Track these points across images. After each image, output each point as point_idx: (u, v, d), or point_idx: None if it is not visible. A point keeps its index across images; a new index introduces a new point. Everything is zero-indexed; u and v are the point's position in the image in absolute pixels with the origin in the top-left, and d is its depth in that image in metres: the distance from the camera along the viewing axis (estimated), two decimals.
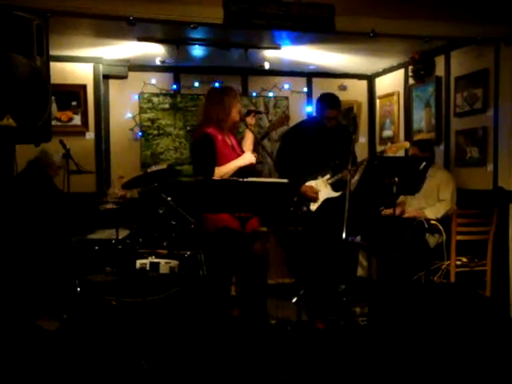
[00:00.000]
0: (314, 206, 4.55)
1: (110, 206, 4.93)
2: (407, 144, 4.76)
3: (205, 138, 4.00)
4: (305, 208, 4.53)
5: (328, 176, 4.58)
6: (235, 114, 4.06)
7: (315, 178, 4.59)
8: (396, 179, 3.80)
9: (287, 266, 5.68)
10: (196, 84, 6.41)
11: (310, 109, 6.74)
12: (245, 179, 3.39)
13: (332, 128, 4.65)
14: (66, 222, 4.79)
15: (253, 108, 4.60)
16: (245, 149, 4.13)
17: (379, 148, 6.79)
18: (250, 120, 4.16)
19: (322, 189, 4.56)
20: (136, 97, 6.32)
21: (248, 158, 3.99)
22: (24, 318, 3.94)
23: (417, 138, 5.88)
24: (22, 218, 4.35)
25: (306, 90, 6.81)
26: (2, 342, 3.53)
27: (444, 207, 4.73)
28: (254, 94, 6.59)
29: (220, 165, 3.95)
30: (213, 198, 3.34)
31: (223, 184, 3.40)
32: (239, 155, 4.05)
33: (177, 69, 6.34)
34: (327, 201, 4.54)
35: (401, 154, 6.16)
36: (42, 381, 3.27)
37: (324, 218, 4.49)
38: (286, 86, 6.70)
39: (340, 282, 4.52)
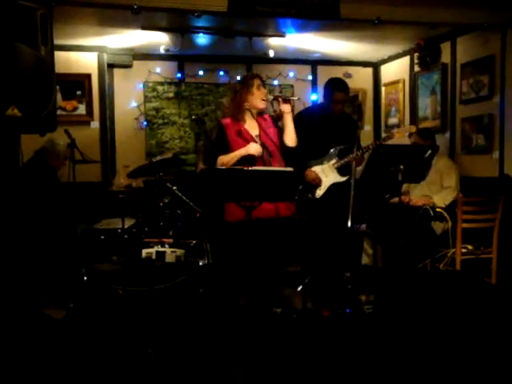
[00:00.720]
0: (320, 191, 4.54)
1: (115, 195, 4.95)
2: (413, 128, 4.72)
3: (215, 127, 4.07)
4: (309, 195, 4.52)
5: (334, 161, 4.57)
6: (254, 101, 3.97)
7: (321, 163, 4.58)
8: (401, 167, 3.79)
9: (292, 254, 5.68)
10: (200, 72, 6.40)
11: (315, 97, 6.72)
12: (249, 168, 3.39)
13: (336, 115, 4.64)
14: (72, 212, 4.81)
15: (278, 94, 4.43)
16: (284, 137, 4.03)
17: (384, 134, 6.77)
18: (283, 107, 3.99)
19: (329, 174, 4.55)
20: (140, 86, 6.32)
21: (250, 148, 3.91)
22: (32, 307, 3.96)
23: (422, 126, 5.85)
24: (27, 208, 4.36)
25: (310, 77, 6.79)
26: (11, 330, 3.56)
27: (451, 194, 4.72)
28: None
29: (234, 150, 3.95)
30: (217, 187, 3.34)
31: (227, 173, 3.40)
32: (260, 144, 3.97)
33: (181, 57, 6.32)
34: (334, 186, 4.53)
35: (405, 140, 6.16)
36: (49, 368, 3.30)
37: (330, 204, 4.48)
38: (291, 74, 6.68)
39: (345, 270, 4.53)
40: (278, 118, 4.15)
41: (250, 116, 4.02)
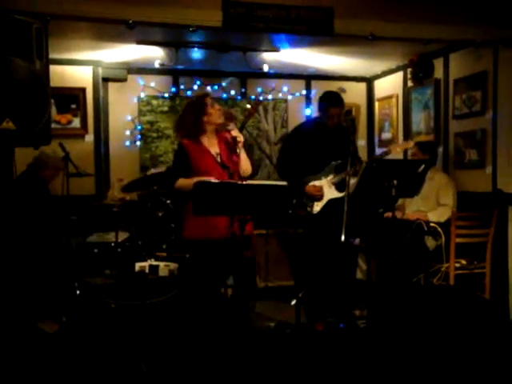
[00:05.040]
0: (318, 207, 4.55)
1: (109, 208, 4.95)
2: (411, 144, 4.76)
3: (178, 148, 4.01)
4: (308, 209, 4.53)
5: (331, 176, 4.59)
6: (213, 119, 3.94)
7: (319, 179, 4.60)
8: (395, 182, 3.80)
9: (291, 269, 5.66)
10: (195, 87, 6.41)
11: (309, 111, 6.75)
12: (244, 182, 3.39)
13: (332, 128, 4.66)
14: (62, 225, 4.79)
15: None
16: (239, 167, 3.95)
17: (379, 150, 6.81)
18: (234, 133, 3.89)
19: (326, 189, 4.56)
20: (135, 100, 6.32)
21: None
22: (25, 321, 3.94)
23: (416, 140, 5.87)
24: (19, 221, 4.35)
25: (305, 92, 6.81)
26: (3, 344, 3.53)
27: (447, 212, 4.67)
28: (253, 97, 6.60)
29: (197, 171, 3.86)
30: (211, 201, 3.34)
31: (221, 186, 3.41)
32: (218, 163, 3.93)
33: (176, 72, 6.34)
34: (331, 201, 4.54)
35: (400, 155, 6.20)
36: (42, 383, 3.28)
37: (328, 219, 4.49)
38: (285, 89, 6.70)
39: (339, 285, 4.52)
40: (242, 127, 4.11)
41: (209, 134, 3.99)
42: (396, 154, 4.72)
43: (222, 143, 4.02)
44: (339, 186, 4.55)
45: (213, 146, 3.99)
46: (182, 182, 3.89)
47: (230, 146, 3.94)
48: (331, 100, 4.68)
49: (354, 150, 4.50)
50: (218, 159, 3.97)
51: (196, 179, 3.65)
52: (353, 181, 4.13)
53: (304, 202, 4.55)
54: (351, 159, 4.20)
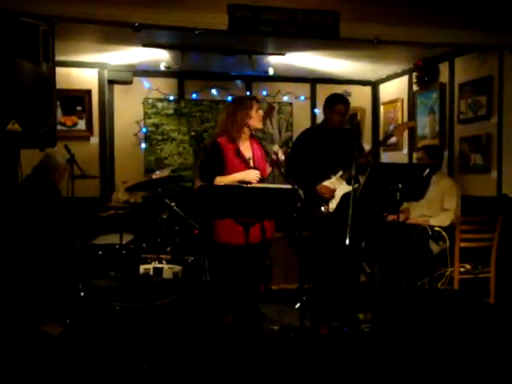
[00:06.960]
0: (333, 204, 4.54)
1: (113, 211, 4.95)
2: (413, 123, 4.81)
3: (213, 145, 4.05)
4: (323, 209, 4.52)
5: (341, 172, 4.58)
6: (254, 123, 4.04)
7: (328, 178, 4.59)
8: (400, 185, 3.80)
9: (305, 271, 5.62)
10: (200, 90, 6.42)
11: (314, 115, 6.75)
12: (248, 185, 3.40)
13: (337, 128, 4.65)
14: (70, 228, 4.80)
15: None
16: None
17: (384, 155, 6.80)
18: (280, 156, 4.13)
19: (338, 186, 4.55)
20: (140, 102, 6.34)
21: (249, 175, 3.95)
22: (28, 323, 3.94)
23: (421, 144, 5.87)
24: (25, 223, 4.36)
25: (310, 96, 6.81)
26: (7, 346, 3.54)
27: (449, 217, 4.69)
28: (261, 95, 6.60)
29: (226, 173, 3.97)
30: (216, 204, 3.35)
31: (226, 190, 3.41)
32: (251, 167, 4.03)
33: (181, 74, 6.36)
34: (345, 196, 4.52)
35: (405, 159, 6.20)
36: None
37: (345, 214, 4.46)
38: (290, 92, 6.71)
39: (344, 288, 4.51)
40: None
41: (244, 137, 4.06)
42: (400, 135, 4.74)
43: (254, 148, 4.10)
44: (350, 181, 4.54)
45: (246, 149, 4.08)
46: (222, 181, 3.94)
47: (272, 160, 4.11)
48: (337, 97, 4.70)
49: (360, 153, 4.48)
50: (251, 163, 4.08)
51: (239, 176, 3.90)
52: (361, 180, 4.12)
53: (314, 205, 4.53)
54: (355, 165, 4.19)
